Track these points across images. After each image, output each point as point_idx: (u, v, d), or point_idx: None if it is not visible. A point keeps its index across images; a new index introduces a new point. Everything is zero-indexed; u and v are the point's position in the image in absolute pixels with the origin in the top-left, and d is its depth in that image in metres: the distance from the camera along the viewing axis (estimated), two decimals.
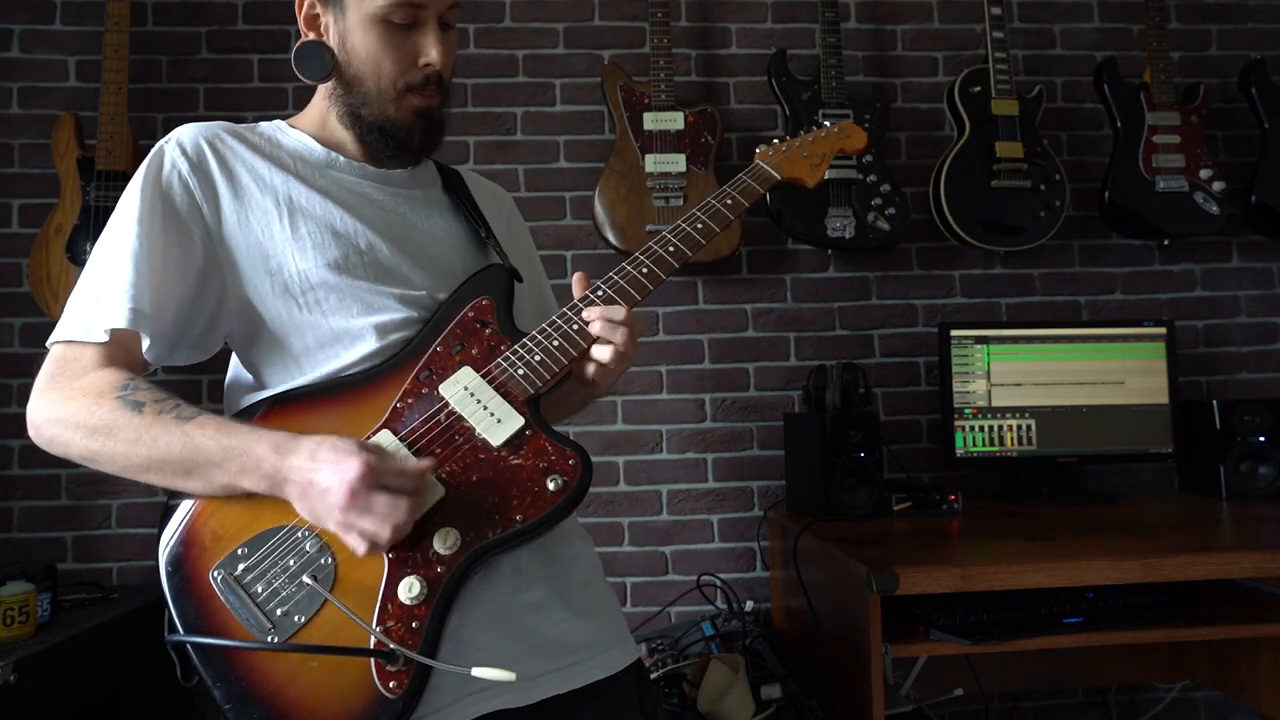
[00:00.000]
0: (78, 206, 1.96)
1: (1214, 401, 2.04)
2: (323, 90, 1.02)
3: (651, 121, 2.10)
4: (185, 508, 0.87)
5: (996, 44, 2.16)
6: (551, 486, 0.88)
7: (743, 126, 2.26)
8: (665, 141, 2.09)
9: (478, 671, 0.80)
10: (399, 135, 0.99)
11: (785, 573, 1.94)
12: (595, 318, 0.95)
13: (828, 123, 1.26)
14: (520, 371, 0.93)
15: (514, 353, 0.94)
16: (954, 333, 2.06)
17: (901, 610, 1.50)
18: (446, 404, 0.91)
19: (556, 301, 1.19)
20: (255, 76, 2.17)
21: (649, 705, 1.02)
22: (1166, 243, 2.26)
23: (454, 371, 0.93)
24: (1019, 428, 2.06)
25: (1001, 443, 2.05)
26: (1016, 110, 2.14)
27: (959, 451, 2.04)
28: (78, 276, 1.98)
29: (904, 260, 2.28)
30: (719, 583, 2.11)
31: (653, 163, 2.07)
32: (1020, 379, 2.07)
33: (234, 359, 1.02)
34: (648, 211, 2.06)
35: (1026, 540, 1.61)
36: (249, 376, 0.99)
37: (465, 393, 0.91)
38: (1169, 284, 2.34)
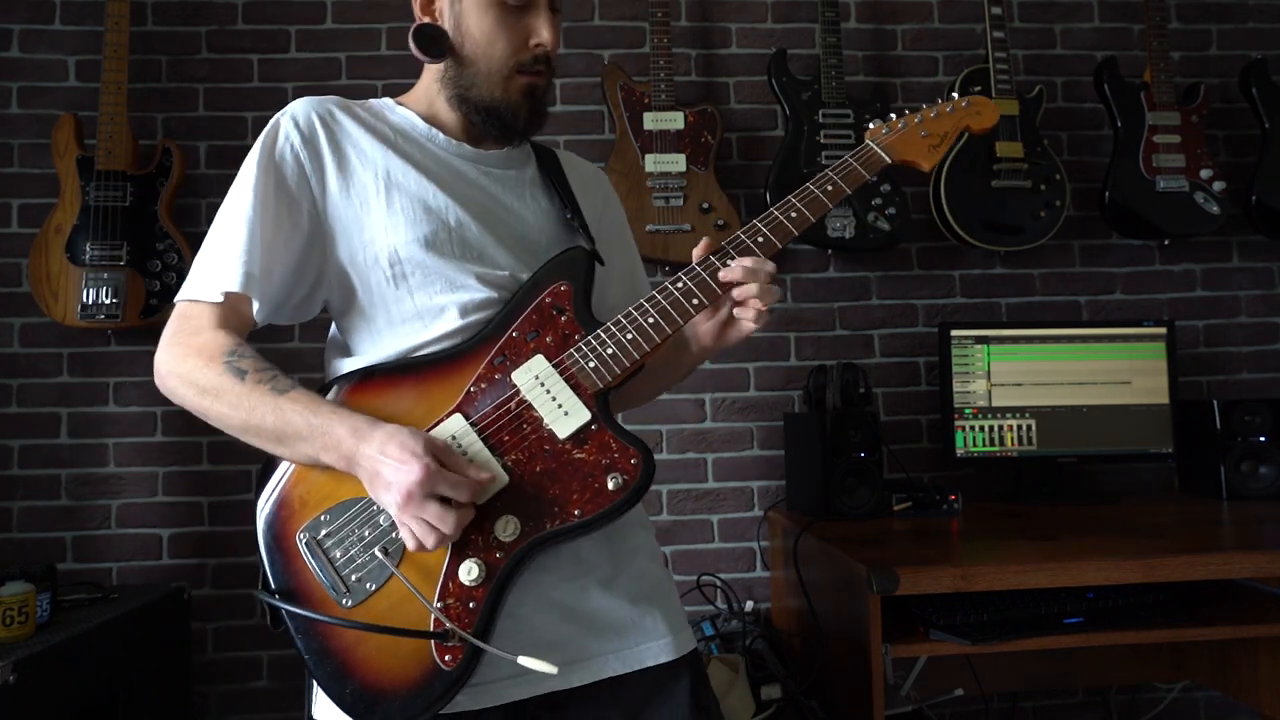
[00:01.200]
0: (77, 206, 1.96)
1: (1214, 401, 2.04)
2: (431, 74, 1.06)
3: (651, 121, 2.10)
4: (281, 470, 0.93)
5: (996, 44, 2.16)
6: (611, 485, 0.90)
7: (743, 126, 2.26)
8: (665, 141, 2.09)
9: (523, 660, 0.84)
10: (506, 115, 1.02)
11: (785, 573, 1.94)
12: (738, 273, 0.96)
13: (955, 95, 1.13)
14: (591, 364, 0.94)
15: (587, 344, 0.95)
16: (954, 333, 2.06)
17: (901, 610, 1.50)
18: (518, 392, 0.93)
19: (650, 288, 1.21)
20: (255, 76, 2.17)
21: (703, 698, 1.02)
22: (1167, 243, 2.26)
23: (527, 359, 0.94)
24: (1019, 428, 2.06)
25: (1001, 443, 2.05)
26: (1017, 110, 2.14)
27: (959, 451, 2.04)
28: (77, 276, 1.98)
29: (904, 260, 2.28)
30: (719, 583, 2.11)
31: (653, 162, 2.07)
32: (1020, 379, 2.07)
33: (333, 322, 1.07)
34: (648, 211, 2.06)
35: (1026, 540, 1.61)
36: (341, 339, 1.05)
37: (536, 381, 0.93)
38: (1169, 284, 2.34)
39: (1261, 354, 2.34)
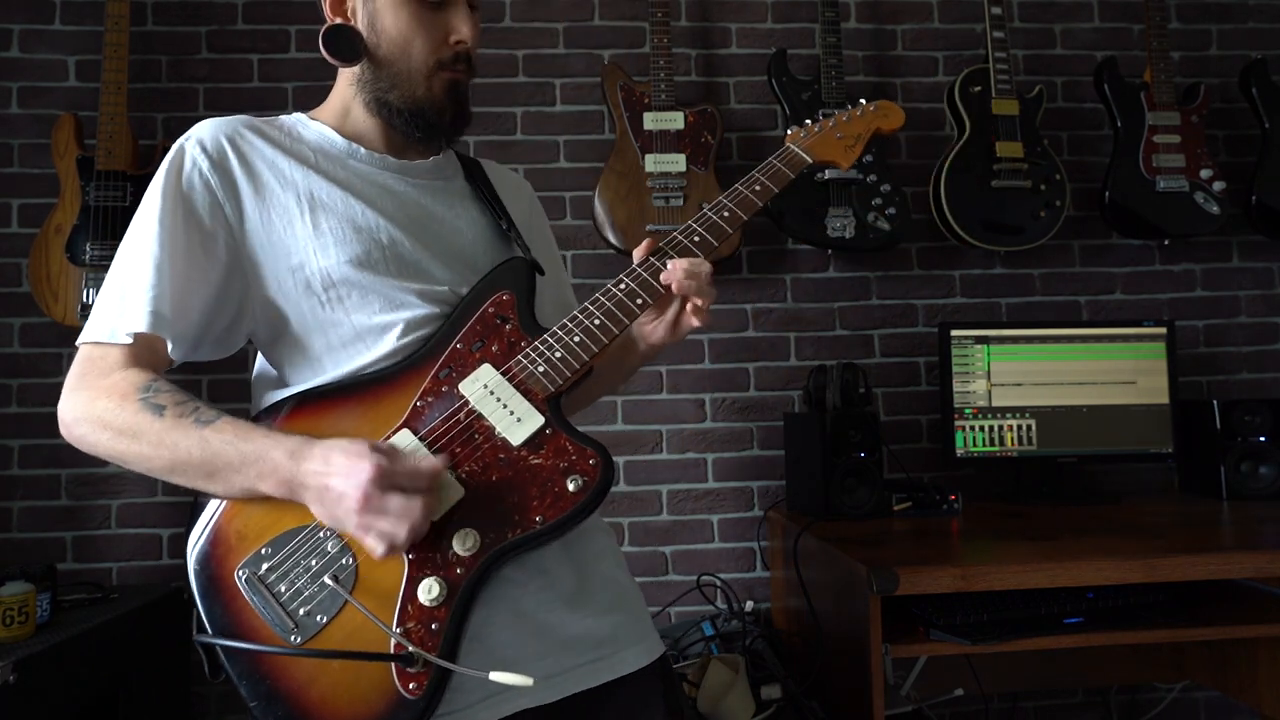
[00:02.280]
0: (77, 206, 1.96)
1: (1214, 401, 2.04)
2: (346, 79, 1.01)
3: (651, 121, 2.10)
4: (212, 506, 0.87)
5: (997, 44, 2.16)
6: (571, 487, 0.87)
7: (743, 126, 2.26)
8: (665, 141, 2.09)
9: (495, 676, 0.79)
10: (430, 115, 0.99)
11: (785, 573, 1.94)
12: (679, 274, 0.97)
13: (864, 101, 1.21)
14: (541, 369, 0.92)
15: (534, 349, 0.93)
16: (954, 333, 2.06)
17: (901, 610, 1.50)
18: (467, 402, 0.90)
19: (575, 296, 1.20)
20: (255, 76, 2.17)
21: (674, 701, 1.01)
22: (1167, 243, 2.26)
23: (474, 369, 0.92)
24: (1019, 428, 2.06)
25: (1002, 443, 2.05)
26: (1016, 110, 2.14)
27: (959, 451, 2.04)
28: (77, 276, 1.97)
29: (904, 260, 2.28)
30: (719, 583, 2.10)
31: (653, 163, 2.07)
32: (1020, 379, 2.07)
33: (259, 354, 1.02)
34: (648, 211, 2.06)
35: (1026, 540, 1.61)
36: (273, 372, 0.99)
37: (485, 391, 0.91)
38: (1169, 284, 2.34)
39: (1261, 354, 2.34)
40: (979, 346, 2.07)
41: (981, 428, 2.05)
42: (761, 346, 2.23)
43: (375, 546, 0.79)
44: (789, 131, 1.16)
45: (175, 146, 0.94)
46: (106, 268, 1.91)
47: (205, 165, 0.93)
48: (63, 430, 0.88)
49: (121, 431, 0.84)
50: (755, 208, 1.06)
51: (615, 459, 2.23)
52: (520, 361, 0.92)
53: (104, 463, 2.04)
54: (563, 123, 2.24)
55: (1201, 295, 2.34)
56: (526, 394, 0.91)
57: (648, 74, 2.12)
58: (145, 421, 0.83)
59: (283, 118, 1.02)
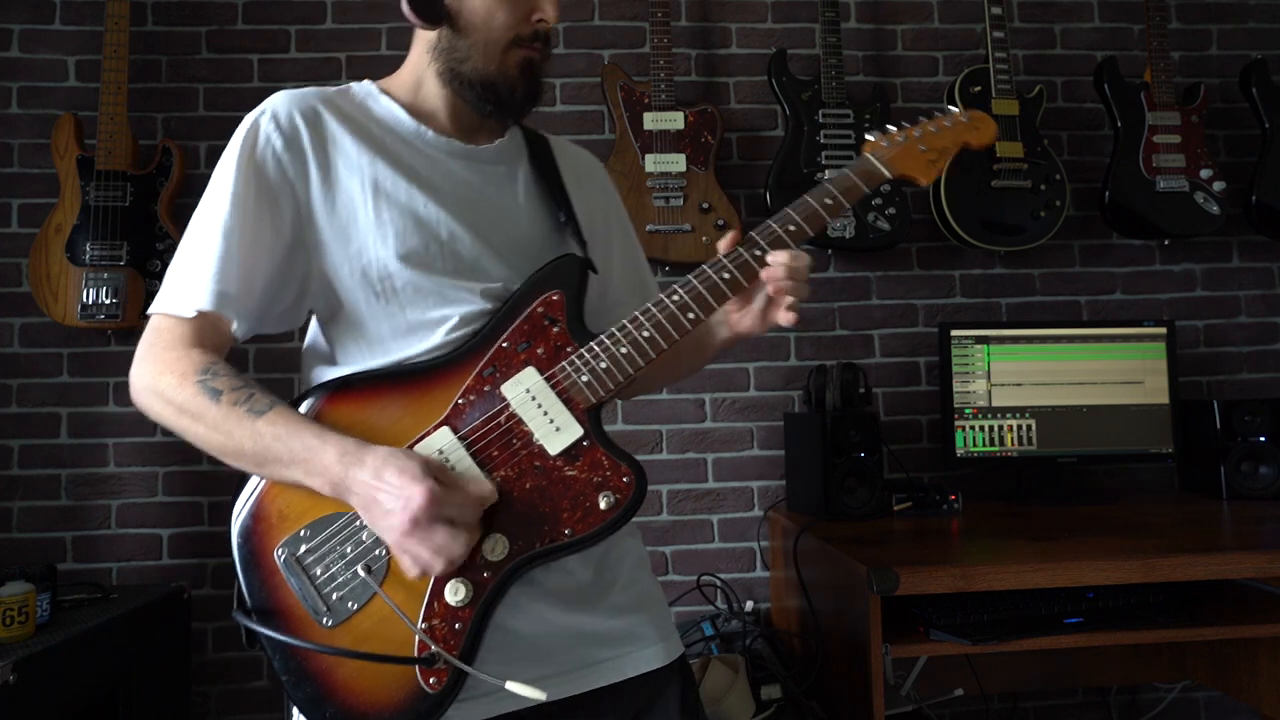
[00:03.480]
0: (77, 206, 1.96)
1: (1214, 401, 2.04)
2: (421, 46, 1.00)
3: (651, 121, 2.10)
4: (254, 481, 0.89)
5: (996, 44, 2.16)
6: (603, 504, 0.88)
7: (743, 126, 2.26)
8: (665, 141, 2.09)
9: (511, 686, 0.81)
10: (502, 90, 0.97)
11: (785, 573, 1.94)
12: (781, 273, 0.94)
13: (953, 109, 1.11)
14: (584, 378, 0.91)
15: (580, 357, 0.92)
16: (954, 333, 2.06)
17: (901, 610, 1.50)
18: (508, 405, 0.90)
19: (655, 281, 1.19)
20: (255, 76, 2.17)
21: (690, 703, 1.01)
22: (1167, 243, 2.26)
23: (518, 371, 0.91)
24: (1019, 428, 2.06)
25: (1001, 443, 2.05)
26: (1017, 110, 2.14)
27: (959, 451, 2.04)
28: (77, 276, 1.97)
29: (904, 260, 2.28)
30: (719, 583, 2.11)
31: (653, 162, 2.07)
32: (1020, 379, 2.07)
33: (313, 322, 1.02)
34: (648, 211, 2.06)
35: (1026, 540, 1.61)
36: (325, 347, 1.00)
37: (527, 395, 0.90)
38: (1169, 284, 2.34)
39: (1261, 354, 2.34)
40: (979, 346, 2.07)
41: (981, 428, 2.05)
42: (761, 346, 2.23)
43: (410, 569, 0.82)
44: (868, 138, 1.07)
45: (250, 119, 0.94)
46: (106, 268, 1.94)
47: (279, 143, 0.93)
48: (132, 394, 0.90)
49: (181, 410, 0.86)
50: (823, 223, 1.00)
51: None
52: (565, 368, 0.91)
53: (104, 463, 2.06)
54: (563, 123, 2.24)
55: (1201, 295, 2.34)
56: (568, 402, 0.90)
57: (648, 74, 2.12)
58: (202, 405, 0.85)
59: (354, 87, 1.01)
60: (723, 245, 0.98)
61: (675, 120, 2.10)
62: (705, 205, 2.09)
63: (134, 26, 2.06)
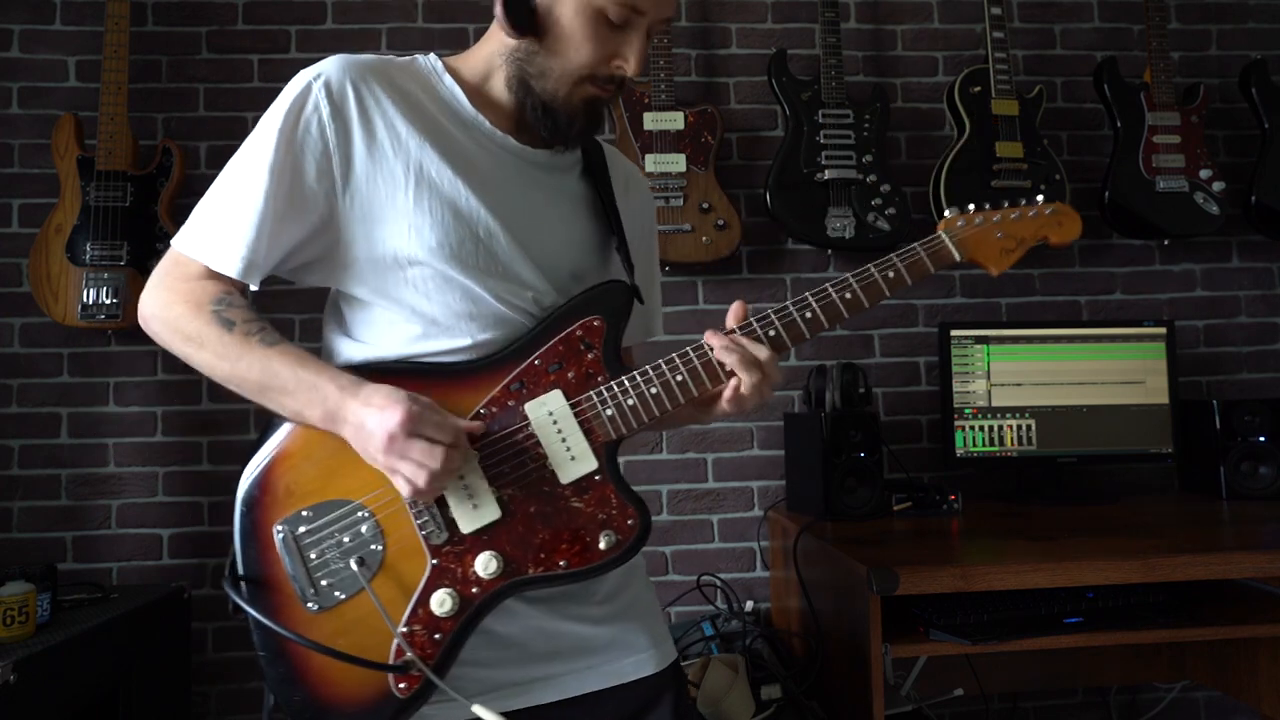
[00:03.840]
0: (78, 206, 1.96)
1: (1214, 401, 2.04)
2: (498, 43, 0.97)
3: (651, 121, 2.10)
4: (269, 446, 0.90)
5: (996, 44, 2.16)
6: (603, 544, 0.88)
7: (743, 126, 2.26)
8: (665, 141, 2.09)
9: (477, 709, 0.82)
10: (561, 120, 0.95)
11: (785, 573, 1.94)
12: (731, 349, 0.91)
13: (1040, 199, 1.06)
14: (609, 412, 0.90)
15: (609, 389, 0.91)
16: (954, 333, 2.06)
17: (901, 610, 1.50)
18: (528, 424, 0.89)
19: (660, 305, 1.18)
20: (255, 76, 2.17)
21: (683, 711, 1.01)
22: (1166, 243, 2.26)
23: (545, 391, 0.90)
24: (1019, 428, 2.06)
25: (1001, 443, 2.05)
26: (1016, 110, 2.14)
27: (959, 451, 2.04)
28: (77, 276, 1.96)
29: None
30: (719, 583, 2.11)
31: (653, 163, 2.07)
32: (1020, 379, 2.07)
33: (330, 295, 1.01)
34: None
35: (1026, 540, 1.61)
36: (342, 313, 0.99)
37: (549, 418, 0.89)
38: (1169, 284, 2.34)
39: (1261, 354, 2.34)
40: (979, 346, 2.07)
41: (981, 428, 2.05)
42: None
43: (402, 487, 0.83)
44: (946, 214, 1.03)
45: (302, 80, 0.92)
46: (107, 268, 1.94)
47: (326, 112, 0.90)
48: (140, 321, 0.93)
49: (190, 338, 0.88)
50: (884, 296, 0.97)
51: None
52: (591, 398, 0.90)
53: (104, 463, 2.06)
54: None
55: (1201, 295, 2.34)
56: (588, 433, 0.90)
57: (648, 74, 2.12)
58: (213, 333, 0.87)
59: (420, 60, 0.99)
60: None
61: (675, 120, 2.10)
62: (705, 205, 2.09)
63: (134, 26, 2.06)
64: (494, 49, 0.98)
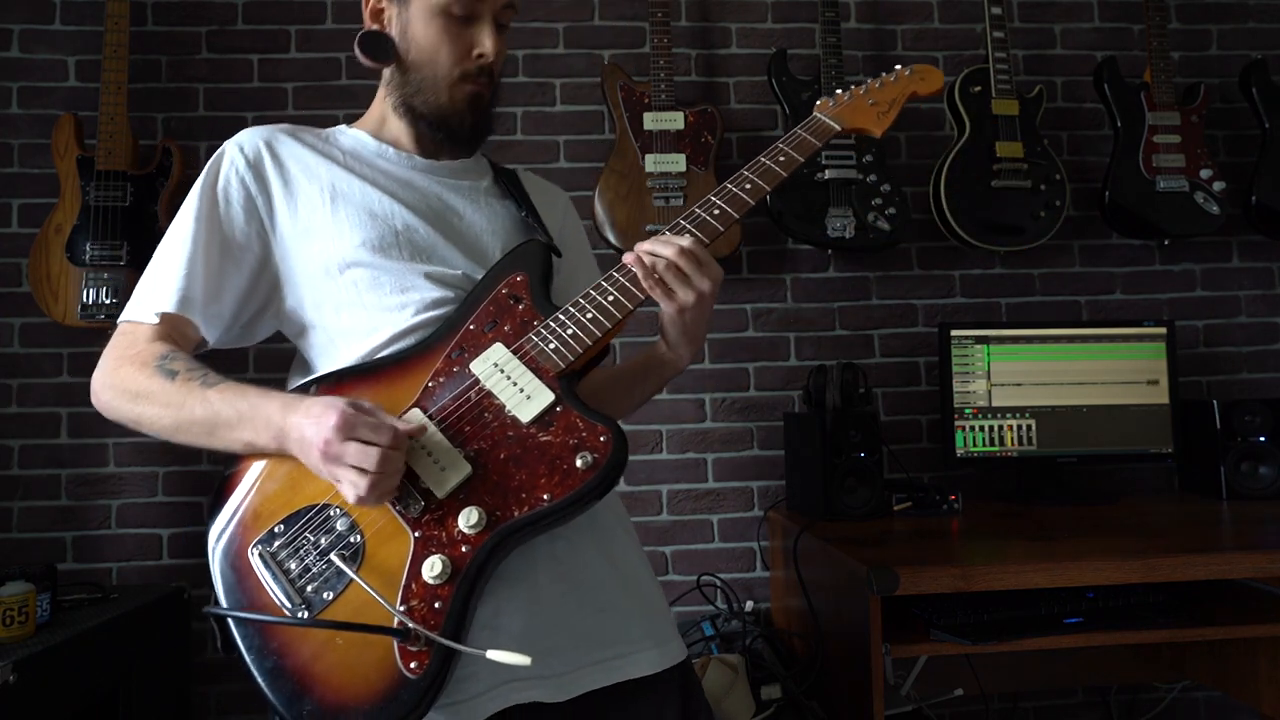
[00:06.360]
0: (77, 206, 1.96)
1: (1214, 401, 2.04)
2: (382, 87, 1.08)
3: (651, 121, 2.10)
4: (235, 497, 0.90)
5: (996, 44, 2.16)
6: (580, 464, 0.86)
7: (743, 126, 2.26)
8: (665, 141, 2.09)
9: (493, 654, 0.79)
10: (452, 121, 1.03)
11: (785, 573, 1.94)
12: (644, 255, 0.93)
13: (899, 66, 1.16)
14: (552, 346, 0.92)
15: (546, 327, 0.93)
16: (954, 333, 2.06)
17: (901, 610, 1.50)
18: (477, 381, 0.91)
19: None
20: (255, 76, 2.17)
21: (693, 708, 1.00)
22: (1167, 243, 2.26)
23: (486, 348, 0.93)
24: (1019, 428, 2.06)
25: (1001, 443, 2.05)
26: (1016, 110, 2.14)
27: (959, 451, 2.04)
28: (77, 276, 1.97)
29: (904, 260, 2.28)
30: (719, 583, 2.11)
31: (653, 163, 2.07)
32: (1020, 379, 2.07)
33: (295, 359, 1.08)
34: (648, 211, 2.06)
35: (1026, 540, 1.61)
36: (305, 361, 1.05)
37: (495, 369, 0.91)
38: (1169, 284, 2.34)
39: (1261, 354, 2.34)
40: (979, 346, 2.07)
41: (981, 428, 2.05)
42: (761, 346, 2.23)
43: (346, 493, 0.83)
44: (818, 102, 1.12)
45: (217, 152, 1.03)
46: (106, 268, 1.94)
47: (242, 164, 1.01)
48: (93, 399, 0.96)
49: (137, 395, 0.91)
50: (780, 179, 1.04)
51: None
52: (531, 339, 0.93)
53: (104, 463, 2.06)
54: (563, 123, 2.24)
55: (1201, 295, 2.34)
56: (537, 371, 0.91)
57: (648, 74, 2.12)
58: (157, 385, 0.90)
59: (327, 130, 1.09)
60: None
61: (675, 120, 2.10)
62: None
63: (134, 26, 2.06)
64: (379, 103, 1.09)
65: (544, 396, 0.89)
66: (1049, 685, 2.16)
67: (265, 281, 1.01)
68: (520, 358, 0.92)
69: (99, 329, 1.99)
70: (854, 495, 1.87)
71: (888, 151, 2.20)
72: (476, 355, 0.92)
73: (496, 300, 0.96)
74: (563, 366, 0.91)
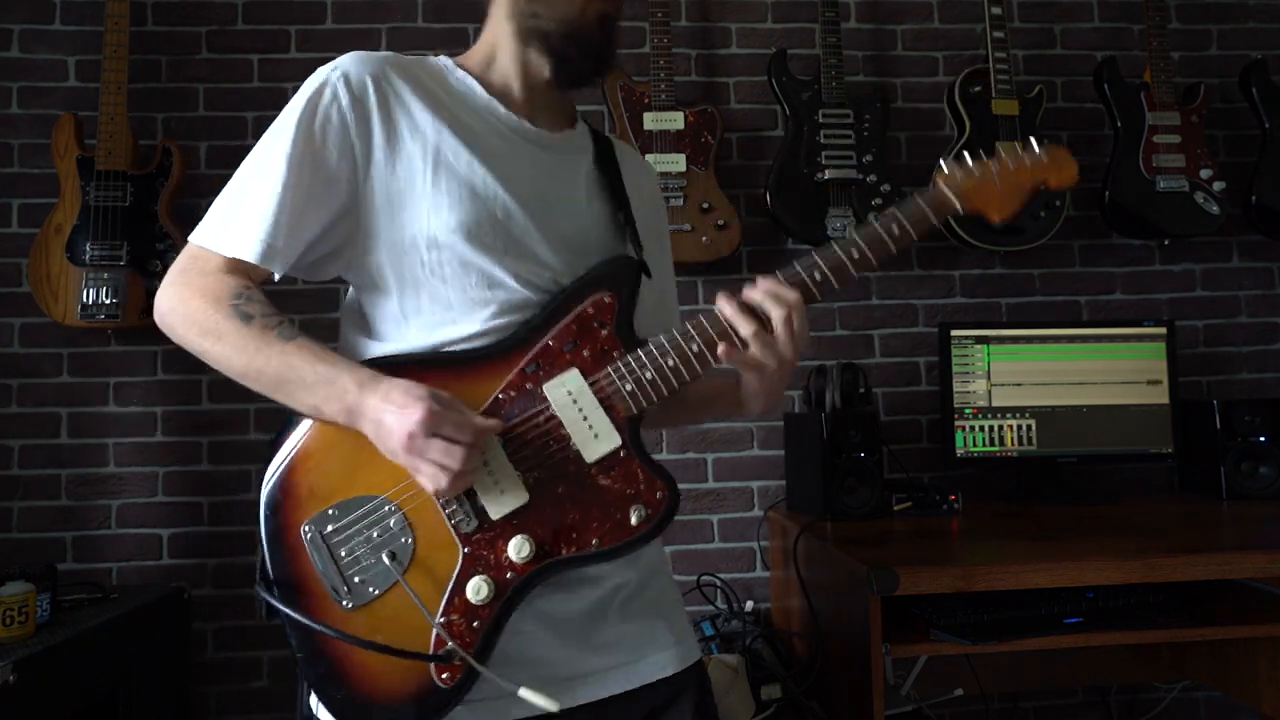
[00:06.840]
0: (77, 206, 1.96)
1: (1214, 401, 2.04)
2: (500, 12, 1.01)
3: (651, 121, 2.10)
4: (287, 447, 0.89)
5: (997, 44, 2.16)
6: (634, 519, 0.88)
7: (743, 126, 2.26)
8: (665, 141, 2.09)
9: (524, 693, 0.82)
10: (580, 37, 0.97)
11: (785, 573, 1.94)
12: (740, 310, 0.91)
13: (1033, 140, 1.07)
14: (629, 387, 0.90)
15: (625, 364, 0.90)
16: (954, 333, 2.06)
17: (901, 610, 1.50)
18: (549, 406, 0.89)
19: (678, 305, 1.19)
20: (255, 76, 2.17)
21: (706, 709, 1.00)
22: (1167, 243, 2.26)
23: (561, 371, 0.90)
24: (1019, 428, 2.06)
25: (1001, 443, 2.05)
26: (1017, 110, 2.14)
27: (959, 451, 2.04)
28: (77, 276, 1.97)
29: (904, 260, 2.28)
30: (719, 583, 2.10)
31: (653, 162, 2.07)
32: (1020, 379, 2.07)
33: (350, 290, 1.01)
34: None
35: (1026, 540, 1.61)
36: (361, 310, 0.99)
37: (568, 397, 0.89)
38: (1169, 284, 2.34)
39: (1261, 354, 2.34)
40: (979, 346, 2.07)
41: (981, 428, 2.05)
42: None
43: (425, 484, 0.83)
44: (942, 165, 1.02)
45: (320, 75, 0.93)
46: (106, 268, 1.94)
47: (345, 101, 0.92)
48: (156, 317, 0.92)
49: (208, 331, 0.87)
50: (888, 252, 0.97)
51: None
52: (609, 374, 0.90)
53: (104, 463, 2.06)
54: None
55: (1201, 295, 2.34)
56: (609, 410, 0.89)
57: (648, 74, 2.12)
58: (232, 326, 0.86)
59: (430, 59, 1.01)
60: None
61: (675, 120, 2.10)
62: (705, 205, 2.09)
63: (134, 26, 2.06)
64: (494, 25, 1.02)
65: (612, 440, 0.88)
66: (1049, 685, 2.16)
67: (345, 226, 0.94)
68: (595, 391, 0.90)
69: (99, 329, 1.99)
70: (854, 495, 1.87)
71: (888, 151, 2.20)
72: (552, 377, 0.90)
73: (580, 319, 0.92)
74: (634, 411, 0.90)
